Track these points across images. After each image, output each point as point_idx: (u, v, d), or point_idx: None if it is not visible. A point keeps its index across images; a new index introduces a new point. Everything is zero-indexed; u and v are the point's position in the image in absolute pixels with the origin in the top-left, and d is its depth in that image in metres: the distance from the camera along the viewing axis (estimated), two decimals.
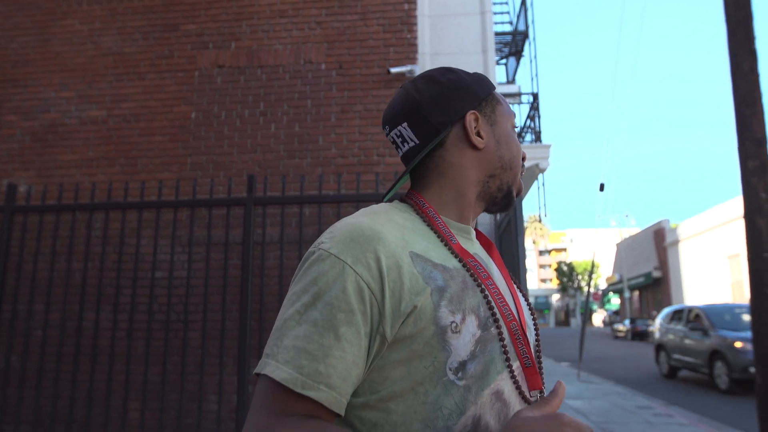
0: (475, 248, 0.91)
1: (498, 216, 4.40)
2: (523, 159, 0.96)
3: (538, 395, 0.83)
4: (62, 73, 5.49)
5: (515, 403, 0.79)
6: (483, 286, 0.82)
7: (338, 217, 3.78)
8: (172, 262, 3.81)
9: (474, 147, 0.90)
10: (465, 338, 0.76)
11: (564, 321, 73.25)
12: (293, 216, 4.79)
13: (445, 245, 0.84)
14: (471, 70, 5.21)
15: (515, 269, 3.57)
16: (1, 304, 3.85)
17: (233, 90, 5.25)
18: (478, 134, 0.91)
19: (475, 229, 0.99)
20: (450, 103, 0.90)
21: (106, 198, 5.01)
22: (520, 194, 0.96)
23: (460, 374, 0.75)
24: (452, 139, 0.91)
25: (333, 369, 0.71)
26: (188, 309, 3.85)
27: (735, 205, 24.09)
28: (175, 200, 3.86)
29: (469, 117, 0.90)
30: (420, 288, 0.75)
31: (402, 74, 5.05)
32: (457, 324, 0.76)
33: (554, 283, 75.06)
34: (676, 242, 31.56)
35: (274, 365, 0.72)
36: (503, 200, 0.94)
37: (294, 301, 0.76)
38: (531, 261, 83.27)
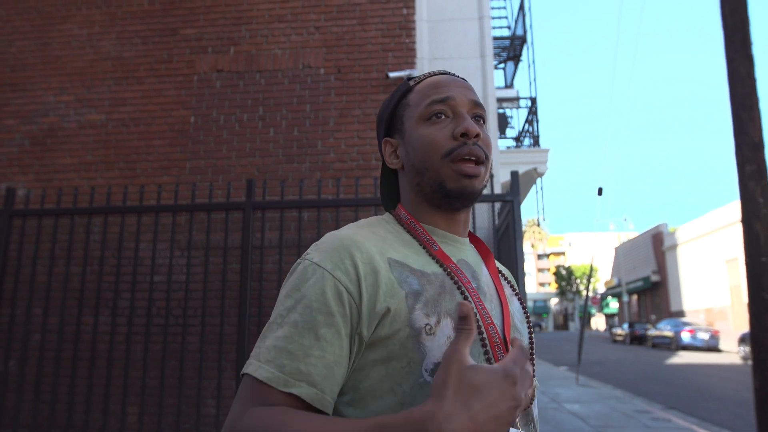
0: (463, 253, 0.93)
1: (496, 220, 4.40)
2: (463, 135, 0.87)
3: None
4: (61, 77, 5.50)
5: None
6: (464, 289, 0.84)
7: (337, 222, 3.79)
8: (171, 267, 3.81)
9: (400, 168, 0.96)
10: (440, 340, 0.78)
11: (562, 325, 73.24)
12: (292, 220, 4.79)
13: (427, 252, 0.88)
14: (469, 75, 5.23)
15: (514, 273, 3.57)
16: (0, 308, 3.85)
17: (232, 94, 5.26)
18: (397, 156, 0.96)
19: (474, 236, 1.00)
20: (378, 140, 1.01)
21: (104, 202, 5.01)
22: (468, 176, 0.86)
23: None
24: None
25: (313, 368, 0.74)
26: (187, 313, 3.85)
27: (733, 209, 24.14)
28: (174, 204, 3.86)
29: (383, 147, 0.98)
30: (395, 291, 0.79)
31: (401, 79, 5.06)
32: (431, 326, 0.78)
33: (553, 287, 75.05)
34: (674, 246, 31.60)
35: (257, 365, 0.75)
36: (444, 199, 0.89)
37: (278, 307, 0.80)
38: (529, 265, 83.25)
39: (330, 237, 0.85)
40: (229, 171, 5.08)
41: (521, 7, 10.35)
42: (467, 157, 0.87)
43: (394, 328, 0.77)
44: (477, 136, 0.88)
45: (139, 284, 4.71)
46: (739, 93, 5.17)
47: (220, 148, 5.14)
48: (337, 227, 3.62)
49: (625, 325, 30.94)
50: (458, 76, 0.96)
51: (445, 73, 0.96)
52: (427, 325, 0.78)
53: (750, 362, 5.59)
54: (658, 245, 34.13)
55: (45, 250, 4.89)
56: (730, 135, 5.28)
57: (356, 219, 3.68)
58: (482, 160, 0.88)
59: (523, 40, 10.58)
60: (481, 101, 0.95)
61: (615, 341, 32.27)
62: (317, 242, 0.86)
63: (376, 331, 0.78)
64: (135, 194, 5.06)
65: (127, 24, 5.56)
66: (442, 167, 0.87)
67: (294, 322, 0.77)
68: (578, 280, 60.00)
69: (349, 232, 0.85)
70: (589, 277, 11.63)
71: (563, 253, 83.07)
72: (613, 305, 46.62)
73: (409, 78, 0.97)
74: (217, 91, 5.28)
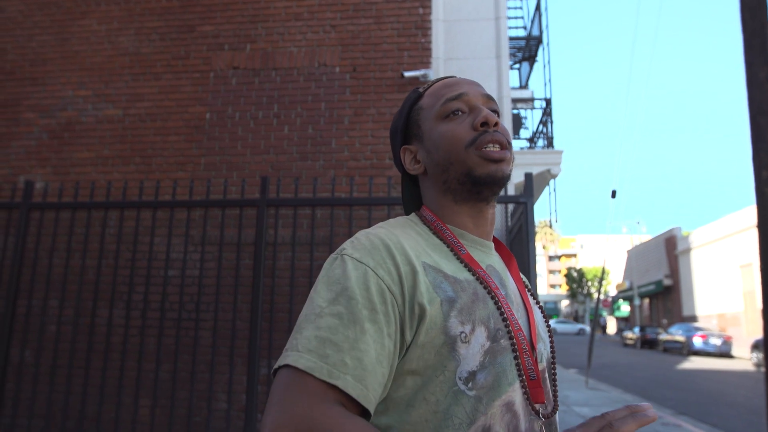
0: (491, 259, 0.92)
1: (509, 221, 4.40)
2: (483, 124, 0.88)
3: (541, 408, 0.83)
4: (80, 72, 5.56)
5: (525, 415, 0.80)
6: (496, 297, 0.83)
7: (350, 220, 3.80)
8: (185, 261, 3.85)
9: (422, 173, 0.96)
10: (474, 348, 0.77)
11: None
12: (305, 218, 4.82)
13: (456, 257, 0.86)
14: (484, 75, 5.21)
15: (526, 274, 3.57)
16: (17, 299, 3.91)
17: (248, 91, 5.29)
18: (417, 161, 0.96)
19: (497, 241, 1.00)
20: (394, 152, 1.01)
21: (121, 196, 5.07)
22: (495, 161, 0.87)
23: (470, 384, 0.76)
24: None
25: (359, 362, 0.70)
26: (200, 308, 3.89)
27: (748, 214, 23.87)
28: (189, 200, 3.90)
29: (402, 155, 0.98)
30: (431, 297, 0.78)
31: (416, 78, 5.07)
32: (466, 334, 0.77)
33: (563, 289, 74.65)
34: (687, 250, 31.31)
35: (296, 355, 0.70)
36: (473, 187, 0.89)
37: (315, 299, 0.76)
38: (541, 266, 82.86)
39: (367, 235, 0.83)
40: (244, 168, 5.11)
41: (537, 8, 10.29)
42: (490, 146, 0.87)
43: (429, 335, 0.76)
44: (496, 125, 0.89)
45: (153, 278, 4.76)
46: (757, 98, 5.12)
47: (235, 144, 5.18)
48: (350, 225, 3.64)
49: (636, 329, 30.71)
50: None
51: (452, 77, 0.97)
52: (462, 333, 0.77)
53: (763, 369, 5.54)
54: (671, 249, 33.83)
55: (62, 242, 4.95)
56: (748, 140, 5.22)
57: (369, 217, 3.70)
58: (505, 146, 0.89)
59: (538, 40, 10.53)
60: (495, 100, 0.96)
61: (626, 345, 32.05)
62: (352, 239, 0.84)
63: (414, 338, 0.76)
64: (150, 189, 5.11)
65: (145, 20, 5.61)
66: (467, 157, 0.88)
67: (338, 313, 0.73)
68: (589, 283, 59.60)
69: (385, 231, 0.84)
70: (601, 279, 11.55)
71: (575, 255, 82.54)
72: (625, 308, 46.27)
73: (417, 87, 0.99)
74: (232, 88, 5.32)
